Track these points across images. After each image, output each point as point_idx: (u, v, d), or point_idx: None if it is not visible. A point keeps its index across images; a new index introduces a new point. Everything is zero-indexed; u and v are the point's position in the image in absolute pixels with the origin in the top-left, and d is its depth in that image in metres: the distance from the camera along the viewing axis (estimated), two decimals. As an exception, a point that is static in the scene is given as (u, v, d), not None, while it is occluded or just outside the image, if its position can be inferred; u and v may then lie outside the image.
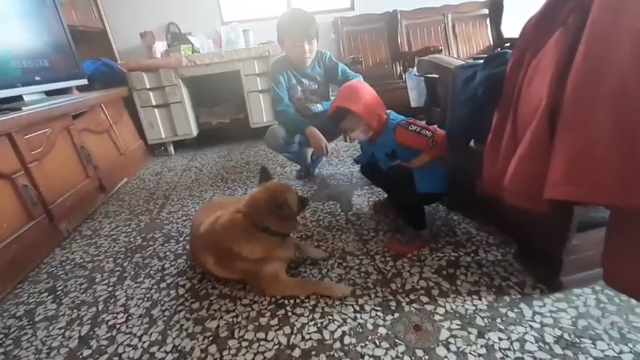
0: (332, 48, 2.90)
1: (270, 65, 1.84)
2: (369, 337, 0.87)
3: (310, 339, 0.89)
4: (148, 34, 2.75)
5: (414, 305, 0.96)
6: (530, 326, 0.85)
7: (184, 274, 1.21)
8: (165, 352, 0.90)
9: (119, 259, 1.37)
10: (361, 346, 0.85)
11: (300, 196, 1.13)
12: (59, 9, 1.99)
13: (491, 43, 3.07)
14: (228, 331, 0.94)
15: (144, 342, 0.94)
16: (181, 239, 1.45)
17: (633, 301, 0.89)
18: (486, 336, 0.84)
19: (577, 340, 0.81)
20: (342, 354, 0.83)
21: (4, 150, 1.34)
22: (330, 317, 0.94)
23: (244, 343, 0.90)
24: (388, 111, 1.22)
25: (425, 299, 0.97)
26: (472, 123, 1.05)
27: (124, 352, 0.92)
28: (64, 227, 1.60)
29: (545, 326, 0.85)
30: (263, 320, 0.96)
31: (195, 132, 2.83)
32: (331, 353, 0.84)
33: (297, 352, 0.85)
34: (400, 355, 0.81)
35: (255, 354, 0.86)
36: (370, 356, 0.82)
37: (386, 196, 1.51)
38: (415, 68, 1.69)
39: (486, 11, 3.06)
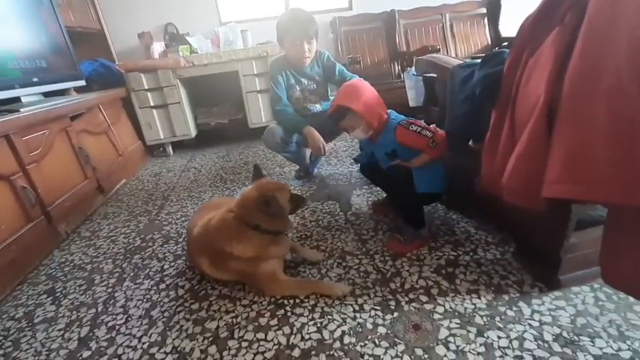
0: (330, 48, 2.90)
1: (269, 65, 1.84)
2: (369, 337, 0.87)
3: (310, 339, 0.89)
4: (145, 34, 2.74)
5: (414, 304, 0.96)
6: (529, 324, 0.85)
7: (184, 275, 1.21)
8: (164, 352, 0.90)
9: (118, 261, 1.36)
10: (361, 346, 0.85)
11: (296, 195, 1.12)
12: (56, 10, 1.99)
13: (489, 43, 3.08)
14: (228, 331, 0.94)
15: (143, 343, 0.94)
16: (180, 240, 1.45)
17: (631, 299, 0.89)
18: (485, 334, 0.84)
19: (576, 337, 0.81)
20: (341, 353, 0.84)
21: (2, 152, 1.33)
22: (330, 317, 0.95)
23: (244, 344, 0.90)
24: (389, 110, 1.22)
25: (424, 298, 0.97)
26: (470, 122, 1.06)
27: (124, 353, 0.92)
28: (63, 229, 1.60)
29: (544, 324, 0.85)
30: (263, 320, 0.97)
31: (193, 132, 2.83)
32: (331, 353, 0.84)
33: (296, 352, 0.85)
34: (400, 355, 0.81)
35: (255, 354, 0.86)
36: (370, 355, 0.82)
37: (385, 195, 1.51)
38: (413, 68, 1.70)
39: (484, 10, 3.07)
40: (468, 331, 0.85)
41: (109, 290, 1.19)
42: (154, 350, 0.92)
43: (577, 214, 0.84)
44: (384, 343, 0.84)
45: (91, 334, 1.00)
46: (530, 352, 0.78)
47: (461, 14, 3.06)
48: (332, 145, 2.41)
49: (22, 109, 1.47)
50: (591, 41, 0.60)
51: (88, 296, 1.17)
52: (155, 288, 1.16)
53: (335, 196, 1.69)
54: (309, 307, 0.99)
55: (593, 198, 0.63)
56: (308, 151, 1.92)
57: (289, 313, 0.98)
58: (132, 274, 1.26)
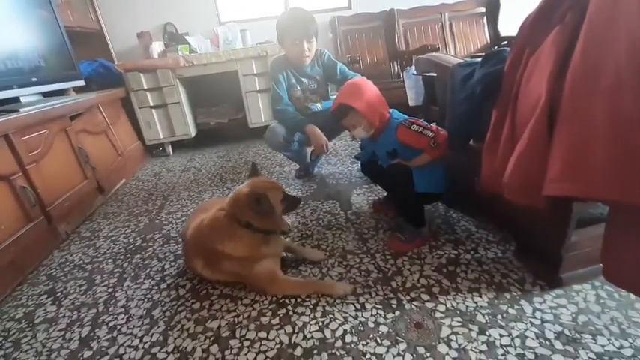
0: (329, 47, 2.90)
1: (270, 64, 1.84)
2: (371, 335, 0.87)
3: (312, 337, 0.89)
4: (145, 34, 2.74)
5: (415, 303, 0.96)
6: (531, 322, 0.86)
7: (184, 275, 1.21)
8: (166, 352, 0.90)
9: (119, 260, 1.36)
10: (363, 344, 0.85)
11: (290, 196, 1.12)
12: (55, 10, 1.98)
13: (489, 42, 3.08)
14: (230, 330, 0.94)
15: (145, 343, 0.94)
16: (181, 240, 1.44)
17: (632, 296, 0.89)
18: (487, 332, 0.84)
19: (577, 335, 0.81)
20: (343, 352, 0.84)
21: (1, 152, 1.33)
22: (332, 316, 0.95)
23: (246, 343, 0.90)
24: (391, 110, 1.22)
25: (425, 297, 0.98)
26: (471, 121, 1.06)
27: (125, 352, 0.92)
28: (63, 229, 1.59)
29: (546, 322, 0.85)
30: (264, 319, 0.97)
31: (193, 132, 2.82)
32: (333, 352, 0.84)
33: (298, 351, 0.85)
34: (402, 353, 0.81)
35: (256, 353, 0.86)
36: (372, 354, 0.82)
37: (385, 194, 1.51)
38: (413, 67, 1.70)
39: (483, 10, 3.07)
40: (470, 330, 0.85)
41: (110, 290, 1.19)
42: (155, 350, 0.91)
43: (578, 212, 0.84)
44: (386, 342, 0.85)
45: (92, 334, 1.00)
46: (532, 350, 0.78)
47: (460, 13, 3.06)
48: (332, 144, 2.41)
49: (21, 109, 1.47)
50: (592, 41, 0.60)
51: (88, 296, 1.17)
52: (156, 287, 1.16)
53: (335, 195, 1.69)
54: (311, 306, 0.99)
55: (593, 196, 0.63)
56: (308, 151, 1.92)
57: (291, 312, 0.98)
58: (132, 273, 1.26)
